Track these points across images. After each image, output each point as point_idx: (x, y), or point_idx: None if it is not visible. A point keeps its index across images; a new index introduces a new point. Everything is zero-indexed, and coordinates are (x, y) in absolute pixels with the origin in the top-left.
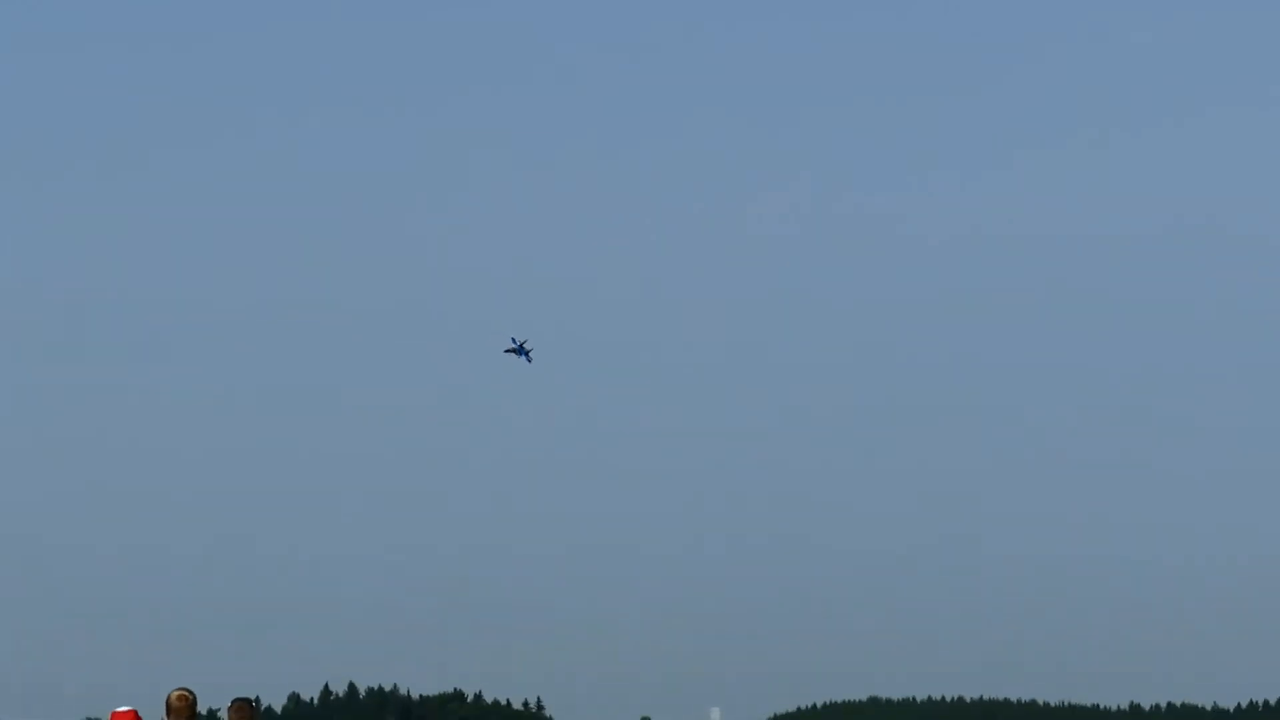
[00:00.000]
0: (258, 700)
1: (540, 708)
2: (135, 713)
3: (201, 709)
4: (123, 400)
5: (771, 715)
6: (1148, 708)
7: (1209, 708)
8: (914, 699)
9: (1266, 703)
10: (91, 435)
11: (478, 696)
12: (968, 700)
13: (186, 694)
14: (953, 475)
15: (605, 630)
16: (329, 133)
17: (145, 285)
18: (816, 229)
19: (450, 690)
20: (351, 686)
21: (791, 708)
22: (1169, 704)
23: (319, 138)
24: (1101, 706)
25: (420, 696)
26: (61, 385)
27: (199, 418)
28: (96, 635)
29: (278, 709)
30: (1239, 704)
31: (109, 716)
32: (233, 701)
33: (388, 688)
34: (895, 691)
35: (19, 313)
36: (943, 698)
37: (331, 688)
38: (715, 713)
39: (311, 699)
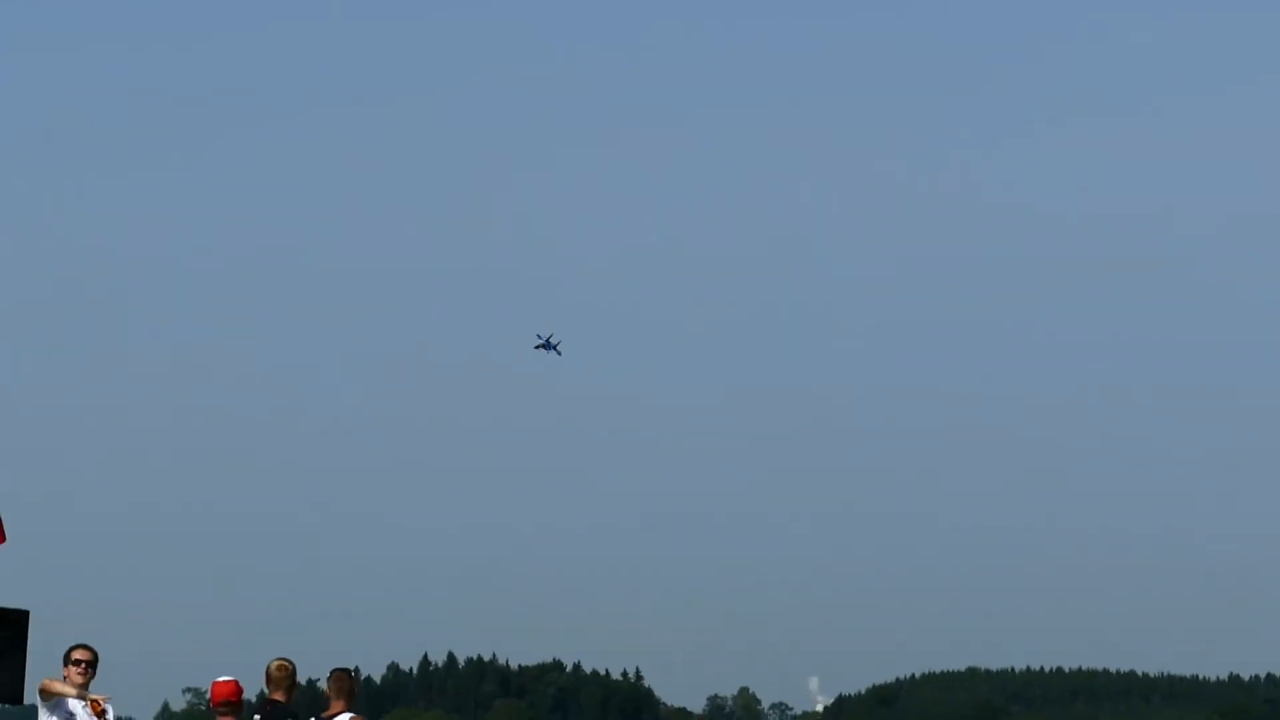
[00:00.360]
0: (357, 670)
1: (639, 678)
2: (236, 683)
3: (301, 679)
4: (223, 366)
5: (870, 685)
6: (1247, 678)
7: None
8: (1012, 669)
9: None
10: (137, 401)
11: (576, 666)
12: (1066, 671)
13: (286, 664)
14: (1048, 448)
15: (704, 601)
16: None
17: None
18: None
19: (549, 660)
20: (451, 656)
21: (890, 678)
22: (1269, 674)
23: (348, 133)
24: (1200, 677)
25: (519, 666)
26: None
27: (296, 388)
28: (197, 604)
29: (377, 679)
30: None
31: (210, 686)
32: (332, 671)
33: (487, 657)
34: (994, 662)
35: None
36: (1041, 668)
37: (431, 658)
38: (814, 683)
39: (410, 669)
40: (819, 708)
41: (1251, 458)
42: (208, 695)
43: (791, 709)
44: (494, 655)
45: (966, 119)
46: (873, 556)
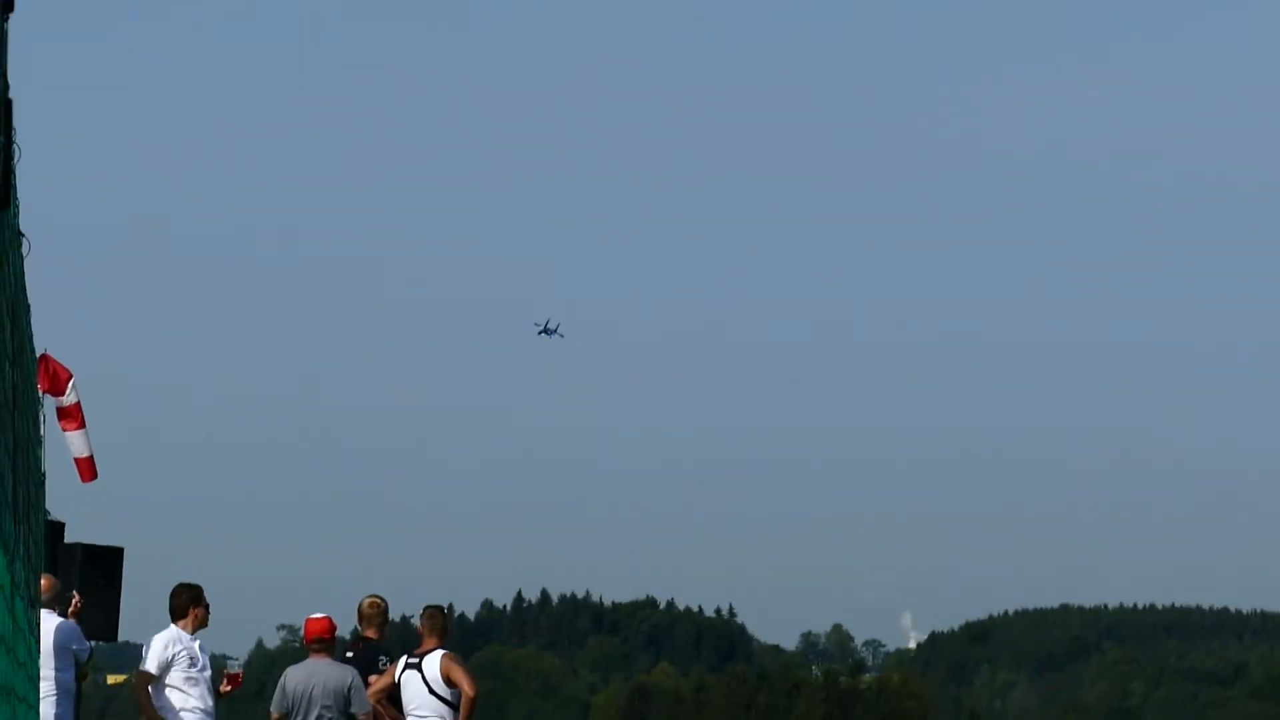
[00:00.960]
0: (450, 607)
1: (732, 614)
2: (329, 619)
3: (394, 616)
4: (319, 300)
5: (963, 622)
6: None
7: None
8: (1105, 606)
9: None
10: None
11: (670, 604)
12: (1158, 607)
13: (379, 601)
14: (1142, 384)
15: (798, 537)
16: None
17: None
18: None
19: (643, 597)
20: (544, 593)
21: (983, 614)
22: None
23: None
24: None
25: (613, 603)
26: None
27: (384, 323)
28: (292, 539)
29: (471, 616)
30: None
31: (304, 622)
32: (425, 608)
33: (580, 594)
34: (1086, 598)
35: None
36: (1134, 605)
37: (524, 594)
38: (907, 619)
39: (505, 606)
40: (912, 644)
41: None
42: (301, 632)
43: (884, 645)
44: (587, 592)
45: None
46: (965, 493)
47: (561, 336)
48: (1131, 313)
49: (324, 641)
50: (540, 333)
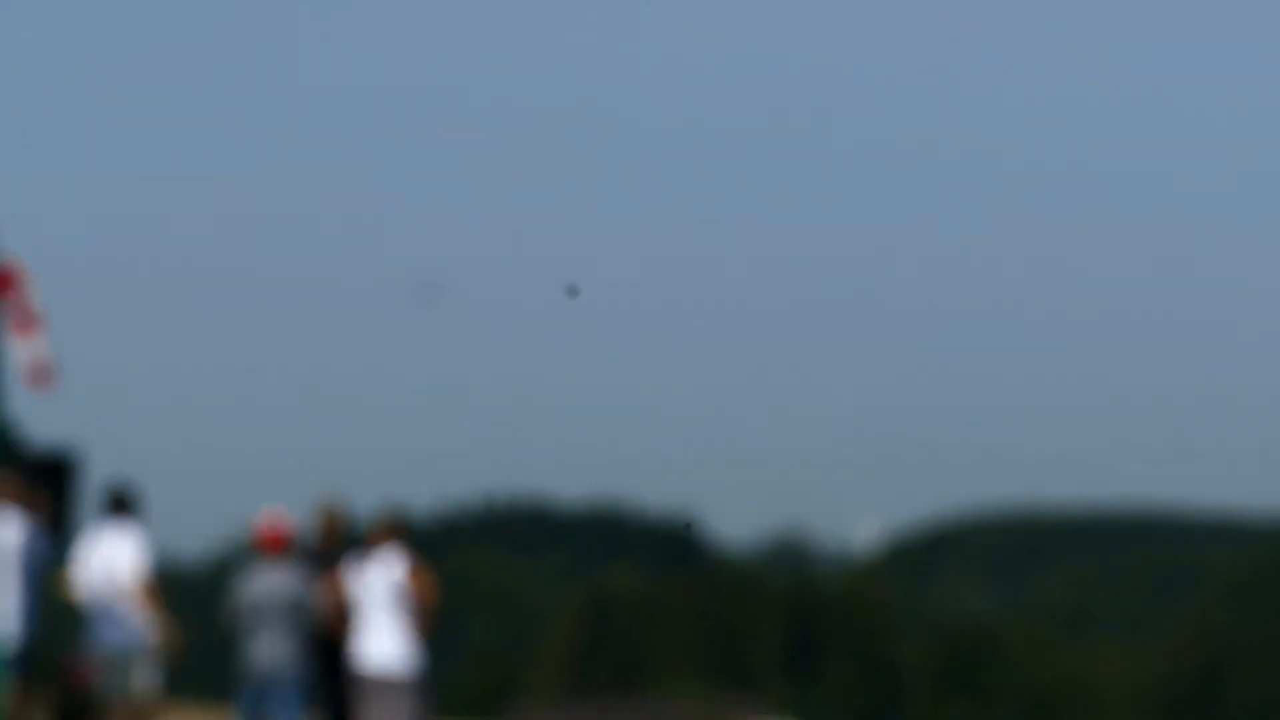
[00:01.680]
0: (405, 513)
1: (691, 518)
2: (283, 525)
3: (350, 521)
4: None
5: (926, 523)
6: None
7: None
8: (1065, 506)
9: None
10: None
11: (626, 505)
12: (1120, 507)
13: (335, 506)
14: (1117, 278)
15: (758, 439)
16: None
17: None
18: None
19: (600, 502)
20: (501, 499)
21: (946, 516)
22: None
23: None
24: (1256, 513)
25: (570, 509)
26: None
27: (357, 224)
28: (249, 442)
29: (426, 522)
30: None
31: (257, 528)
32: (380, 513)
33: (537, 500)
34: (1046, 499)
35: None
36: (1098, 506)
37: (481, 500)
38: (868, 521)
39: (461, 512)
40: (870, 543)
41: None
42: (255, 537)
43: (843, 546)
44: (544, 498)
45: None
46: (927, 393)
47: (439, 293)
48: (1114, 192)
49: (278, 547)
50: (421, 292)
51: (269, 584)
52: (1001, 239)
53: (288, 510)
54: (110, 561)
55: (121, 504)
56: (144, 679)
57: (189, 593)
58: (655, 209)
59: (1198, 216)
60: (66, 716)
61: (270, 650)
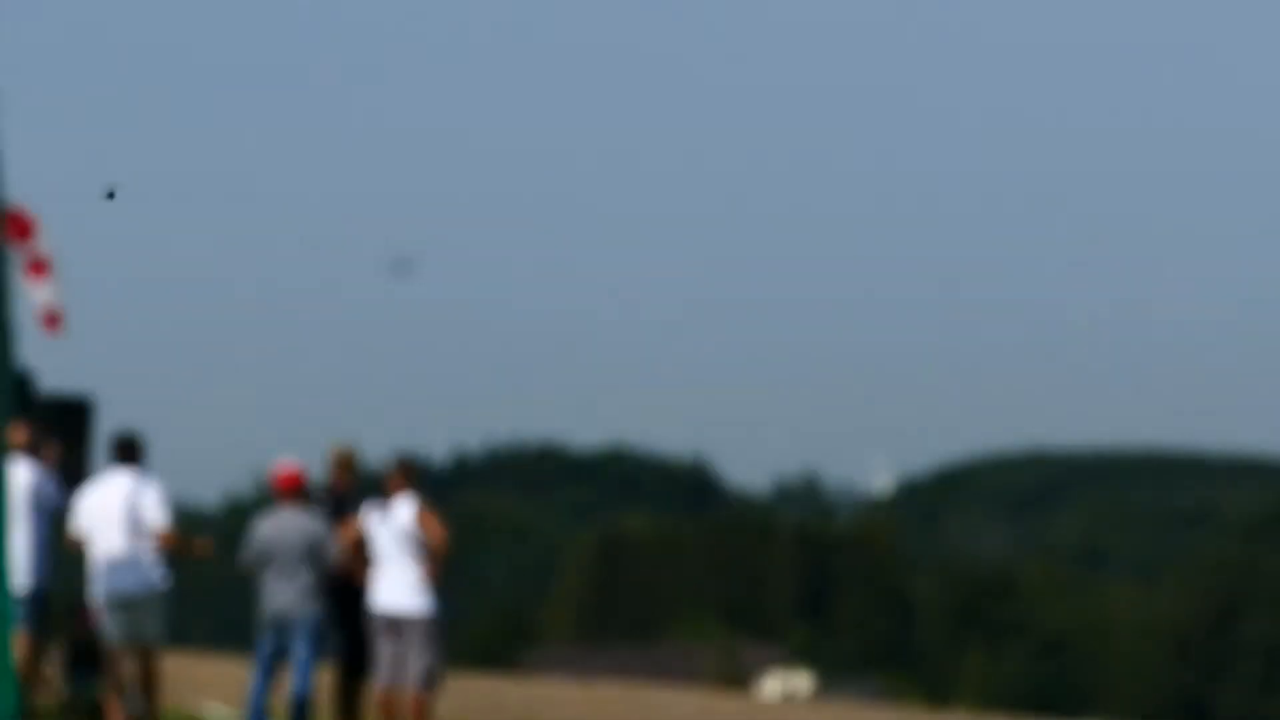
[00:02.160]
0: (420, 456)
1: (704, 460)
2: (299, 469)
3: (364, 465)
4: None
5: (936, 465)
6: None
7: None
8: (1078, 448)
9: None
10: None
11: (641, 449)
12: (1132, 449)
13: (348, 449)
14: (1119, 216)
15: (770, 381)
16: None
17: None
18: None
19: (614, 444)
20: (515, 441)
21: (956, 458)
22: None
23: None
24: (1267, 454)
25: (584, 450)
26: None
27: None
28: (262, 387)
29: (440, 464)
30: None
31: (273, 472)
32: (394, 457)
33: (551, 442)
34: (1060, 441)
35: None
36: (1107, 447)
37: (495, 443)
38: (879, 463)
39: (475, 454)
40: (884, 487)
41: None
42: (270, 480)
43: (856, 489)
44: (558, 440)
45: None
46: (939, 335)
47: (412, 270)
48: (1122, 139)
49: (294, 491)
50: (392, 270)
51: (285, 527)
52: (1011, 181)
53: (303, 459)
54: (110, 507)
55: (128, 450)
56: (153, 625)
57: (218, 537)
58: (661, 161)
59: (1214, 155)
60: (76, 663)
61: (287, 593)
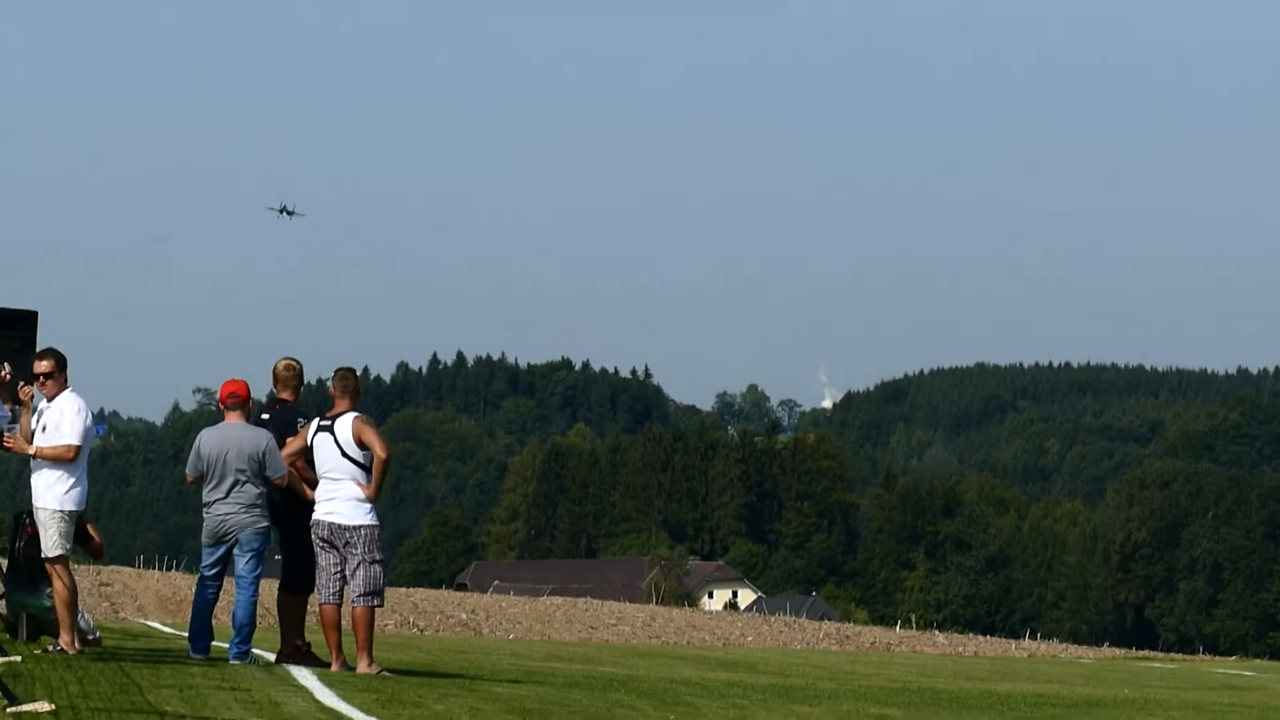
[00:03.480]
0: (366, 370)
1: (648, 375)
2: (246, 384)
3: (310, 379)
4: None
5: (878, 381)
6: (1255, 371)
7: None
8: (1020, 364)
9: None
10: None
11: (585, 365)
12: (1074, 365)
13: (294, 363)
14: (1058, 137)
15: (713, 298)
16: None
17: None
18: None
19: (558, 359)
20: (460, 355)
21: (898, 374)
22: (1277, 367)
23: None
24: (1209, 370)
25: (529, 365)
26: None
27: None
28: (208, 303)
29: (387, 378)
30: None
31: (220, 386)
32: (336, 371)
33: (495, 356)
34: (1001, 357)
35: None
36: (1049, 363)
37: (440, 356)
38: (822, 378)
39: (420, 368)
40: (828, 403)
41: (1264, 152)
42: (217, 395)
43: (800, 405)
44: (503, 354)
45: None
46: (881, 252)
47: (303, 215)
48: (1044, 66)
49: (238, 402)
50: (280, 212)
51: (227, 439)
52: (951, 108)
53: (251, 374)
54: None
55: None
56: (51, 541)
57: (159, 453)
58: (611, 78)
59: (1155, 92)
60: (16, 577)
61: (228, 506)
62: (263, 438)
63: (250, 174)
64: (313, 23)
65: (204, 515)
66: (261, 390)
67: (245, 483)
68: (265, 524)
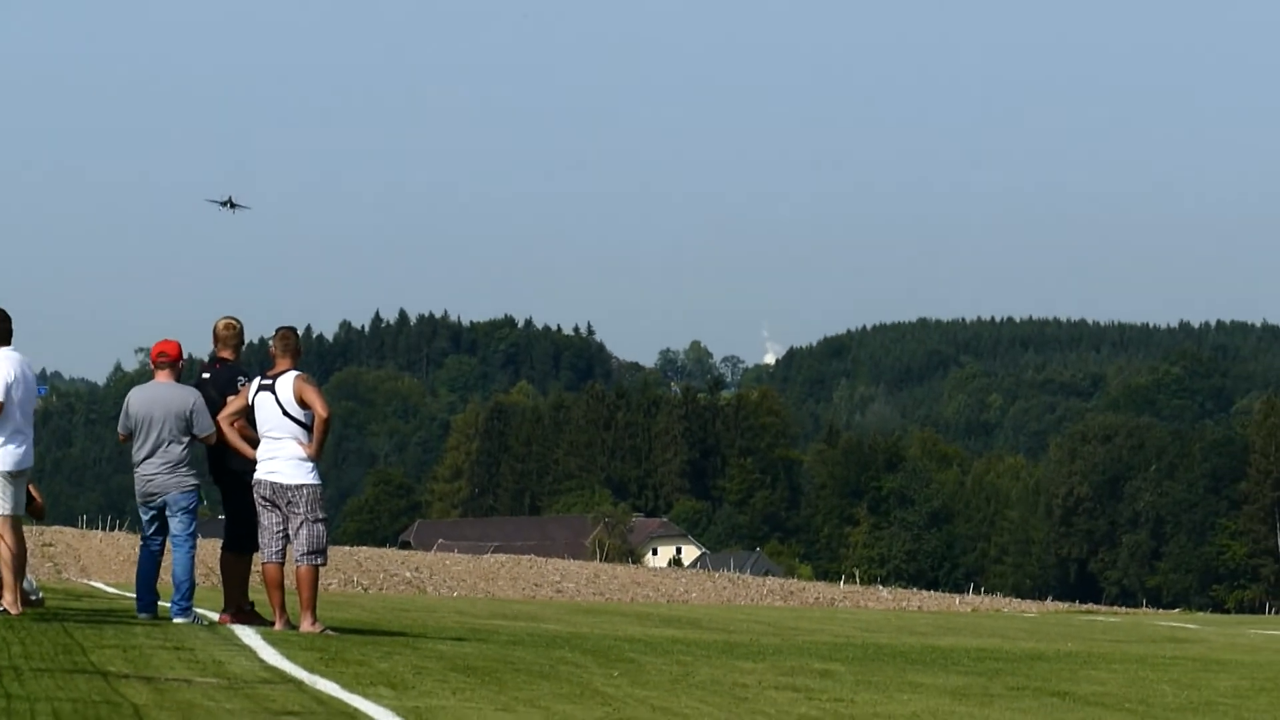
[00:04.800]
0: (309, 329)
1: (590, 333)
2: (177, 344)
3: (252, 337)
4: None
5: (821, 337)
6: (1197, 325)
7: (1258, 324)
8: (962, 319)
9: None
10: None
11: (528, 322)
12: (1016, 320)
13: (234, 322)
14: (995, 96)
15: (655, 254)
16: None
17: None
18: None
19: (500, 316)
20: (402, 313)
21: (841, 330)
22: (1218, 321)
23: None
24: (1150, 325)
25: (471, 323)
26: None
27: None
28: (149, 263)
29: (329, 337)
30: None
31: (152, 347)
32: (277, 330)
33: (438, 314)
34: (944, 313)
35: None
36: (991, 318)
37: (382, 315)
38: (764, 335)
39: (363, 326)
40: (770, 359)
41: (1205, 111)
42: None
43: (743, 361)
44: (445, 312)
45: None
46: (822, 208)
47: (247, 208)
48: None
49: (168, 362)
50: (222, 205)
51: (156, 397)
52: (897, 71)
53: (193, 334)
54: None
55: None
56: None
57: (101, 413)
58: (546, 27)
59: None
60: None
61: (156, 466)
62: (189, 395)
63: (187, 137)
64: None
65: (134, 475)
66: (202, 350)
67: (171, 442)
68: (194, 483)
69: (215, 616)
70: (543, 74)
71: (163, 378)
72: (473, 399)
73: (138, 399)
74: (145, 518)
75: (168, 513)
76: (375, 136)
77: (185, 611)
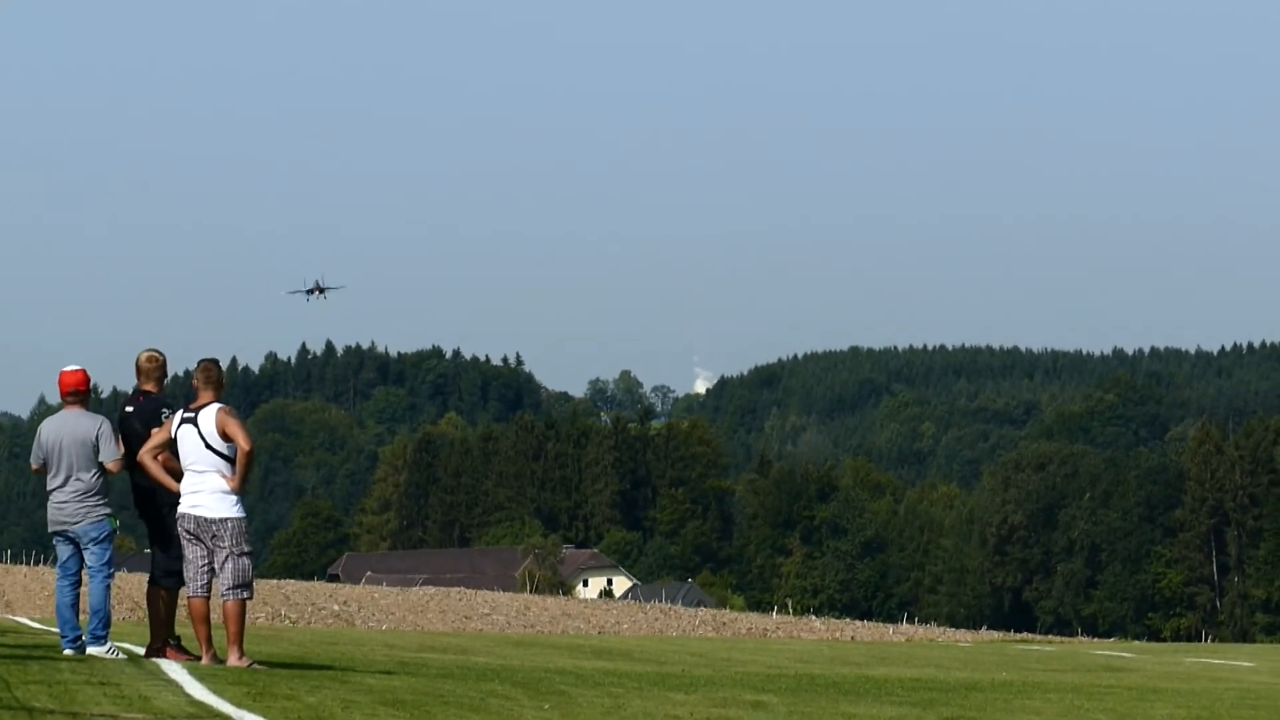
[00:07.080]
0: (234, 360)
1: (519, 363)
2: (83, 371)
3: (175, 370)
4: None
5: (752, 366)
6: (1131, 352)
7: (1192, 351)
8: (895, 348)
9: (1251, 345)
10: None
11: (456, 353)
12: (949, 348)
13: (156, 355)
14: (933, 121)
15: (584, 284)
16: None
17: None
18: None
19: (428, 347)
20: (329, 344)
21: (772, 359)
22: (1152, 348)
23: None
24: (1084, 352)
25: (398, 354)
26: None
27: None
28: (75, 296)
29: (255, 368)
30: (1222, 346)
31: (58, 376)
32: (199, 362)
33: (365, 345)
34: (876, 341)
35: None
36: (924, 346)
37: (309, 346)
38: (695, 364)
39: (289, 358)
40: (701, 389)
41: (1134, 141)
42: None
43: (673, 391)
44: (372, 343)
45: None
46: (752, 237)
47: (340, 287)
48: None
49: (76, 394)
50: (312, 293)
51: (64, 428)
52: (846, 94)
53: (116, 366)
54: None
55: None
56: None
57: (24, 447)
58: (468, 58)
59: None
60: None
61: (66, 497)
62: (96, 423)
63: (119, 163)
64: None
65: (48, 505)
66: (126, 383)
67: (81, 470)
68: (105, 512)
69: (141, 651)
70: (469, 107)
71: (72, 408)
72: (400, 430)
73: (48, 429)
74: (61, 551)
75: (82, 545)
76: (294, 167)
77: (100, 640)
